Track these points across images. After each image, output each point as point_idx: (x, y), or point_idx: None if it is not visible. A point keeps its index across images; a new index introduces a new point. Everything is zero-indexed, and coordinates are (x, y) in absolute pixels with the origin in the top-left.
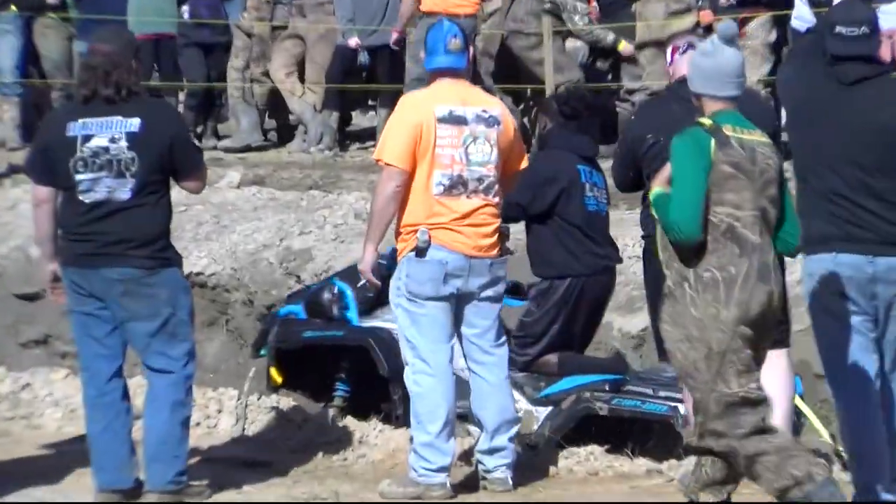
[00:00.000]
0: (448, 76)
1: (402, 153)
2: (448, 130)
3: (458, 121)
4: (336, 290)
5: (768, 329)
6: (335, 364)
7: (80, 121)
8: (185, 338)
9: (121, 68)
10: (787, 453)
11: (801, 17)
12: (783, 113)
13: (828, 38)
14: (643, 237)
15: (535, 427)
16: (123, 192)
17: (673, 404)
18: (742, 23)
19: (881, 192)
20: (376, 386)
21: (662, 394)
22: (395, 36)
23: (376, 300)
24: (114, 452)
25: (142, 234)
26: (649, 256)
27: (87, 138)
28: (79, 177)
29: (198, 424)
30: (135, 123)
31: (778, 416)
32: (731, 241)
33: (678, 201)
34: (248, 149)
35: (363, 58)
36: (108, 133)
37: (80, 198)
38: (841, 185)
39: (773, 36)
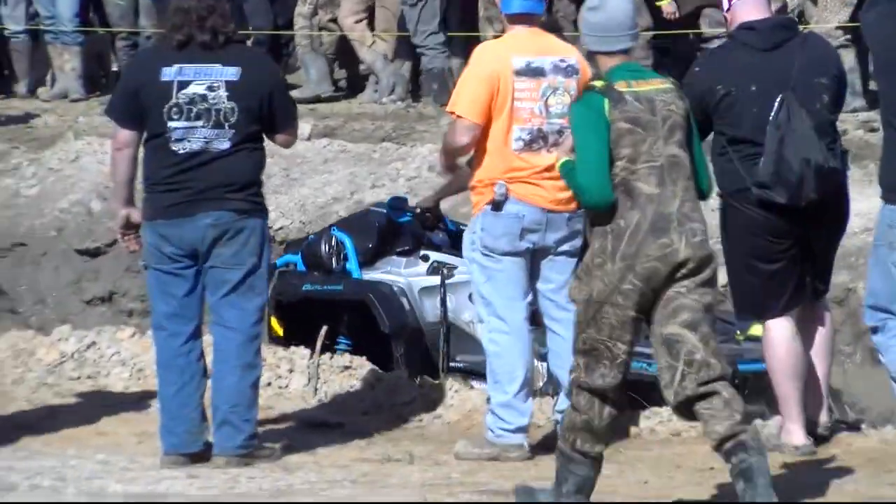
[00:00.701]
0: (524, 22)
1: (477, 107)
2: (526, 83)
3: (537, 72)
4: (335, 241)
5: (671, 280)
6: (337, 316)
7: (176, 66)
8: (262, 292)
9: (215, 13)
10: (602, 409)
11: None
12: (870, 58)
13: None
14: (718, 194)
15: (541, 383)
16: (222, 142)
17: None
18: None
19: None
20: (378, 342)
21: None
22: None
23: (378, 251)
24: (185, 417)
25: (239, 179)
26: (726, 209)
27: (183, 84)
28: (172, 124)
29: (268, 385)
30: (234, 72)
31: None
32: (623, 193)
33: (583, 167)
34: (317, 100)
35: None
36: (207, 80)
37: (173, 147)
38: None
39: None
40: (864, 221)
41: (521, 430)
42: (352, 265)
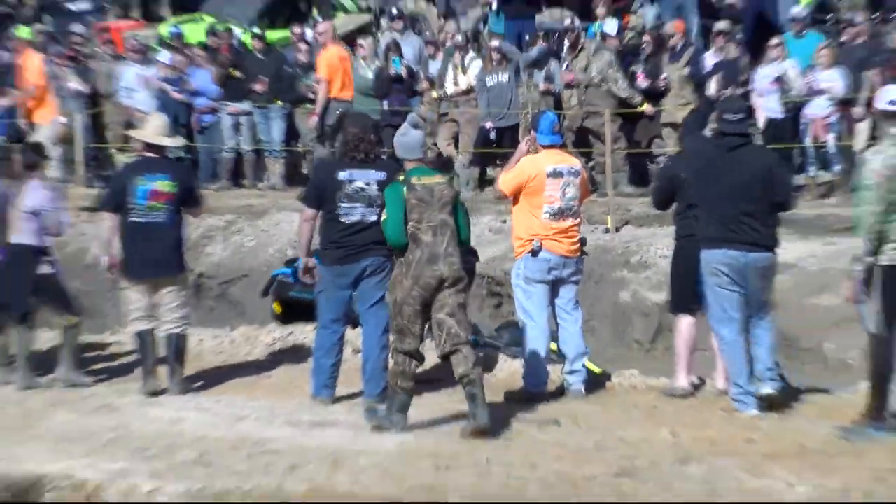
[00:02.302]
0: (554, 147)
1: (510, 187)
2: (552, 181)
3: (558, 174)
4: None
5: (439, 289)
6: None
7: (347, 171)
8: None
9: (366, 140)
10: (413, 366)
11: None
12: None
13: (719, 122)
14: (675, 238)
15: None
16: (372, 216)
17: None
18: None
19: (751, 213)
20: None
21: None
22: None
23: None
24: (330, 380)
25: (381, 239)
26: (677, 252)
27: (351, 181)
28: (342, 205)
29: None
30: (382, 174)
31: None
32: (413, 240)
33: (390, 224)
34: None
35: (493, 134)
36: (365, 179)
37: (342, 219)
38: (726, 209)
39: None
40: None
41: (543, 383)
42: None
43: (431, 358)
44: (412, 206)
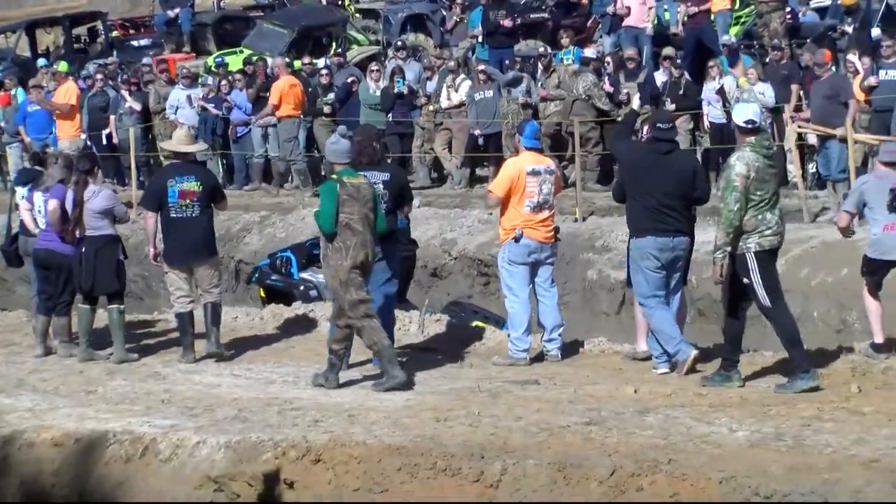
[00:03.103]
0: (533, 150)
1: (502, 188)
2: (532, 178)
3: (536, 173)
4: (284, 258)
5: (370, 268)
6: (285, 296)
7: (360, 173)
8: (396, 278)
9: (372, 147)
10: (374, 330)
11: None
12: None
13: (653, 129)
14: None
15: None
16: (380, 210)
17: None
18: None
19: (676, 207)
20: None
21: None
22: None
23: (308, 261)
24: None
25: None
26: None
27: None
28: None
29: (399, 329)
30: (386, 175)
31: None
32: (346, 229)
33: (323, 214)
34: (422, 187)
35: (481, 140)
36: (373, 180)
37: None
38: (656, 203)
39: None
40: (698, 245)
41: (525, 350)
42: (293, 270)
43: (433, 329)
44: (344, 201)
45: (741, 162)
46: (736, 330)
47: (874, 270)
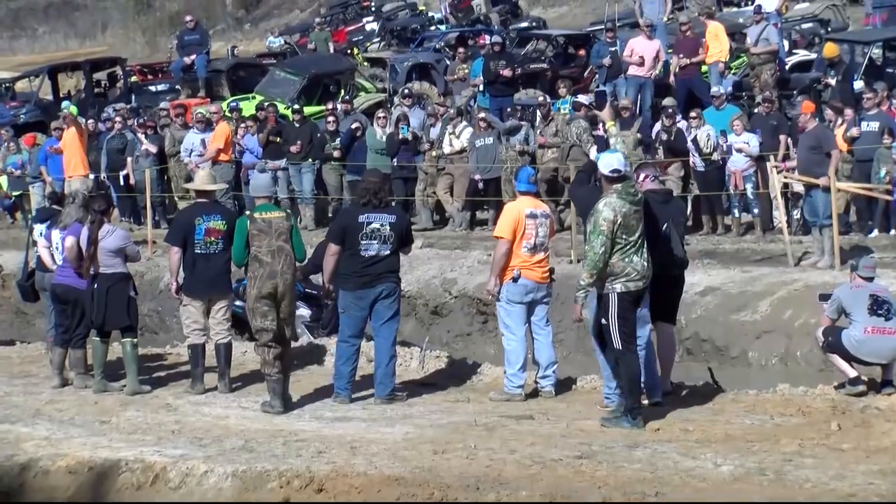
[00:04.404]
0: (529, 194)
1: (509, 232)
2: (530, 221)
3: (534, 216)
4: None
5: (277, 299)
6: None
7: (365, 214)
8: (398, 315)
9: (383, 191)
10: (270, 360)
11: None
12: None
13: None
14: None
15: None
16: (385, 251)
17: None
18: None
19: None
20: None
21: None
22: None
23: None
24: (349, 382)
25: (394, 268)
26: None
27: (369, 223)
28: (363, 242)
29: (400, 364)
30: (393, 217)
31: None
32: (255, 261)
33: (234, 249)
34: (424, 229)
35: (481, 185)
36: (380, 221)
37: (362, 253)
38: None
39: None
40: (687, 286)
41: (521, 387)
42: None
43: (432, 365)
44: (254, 236)
45: (608, 208)
46: (635, 370)
47: (849, 358)
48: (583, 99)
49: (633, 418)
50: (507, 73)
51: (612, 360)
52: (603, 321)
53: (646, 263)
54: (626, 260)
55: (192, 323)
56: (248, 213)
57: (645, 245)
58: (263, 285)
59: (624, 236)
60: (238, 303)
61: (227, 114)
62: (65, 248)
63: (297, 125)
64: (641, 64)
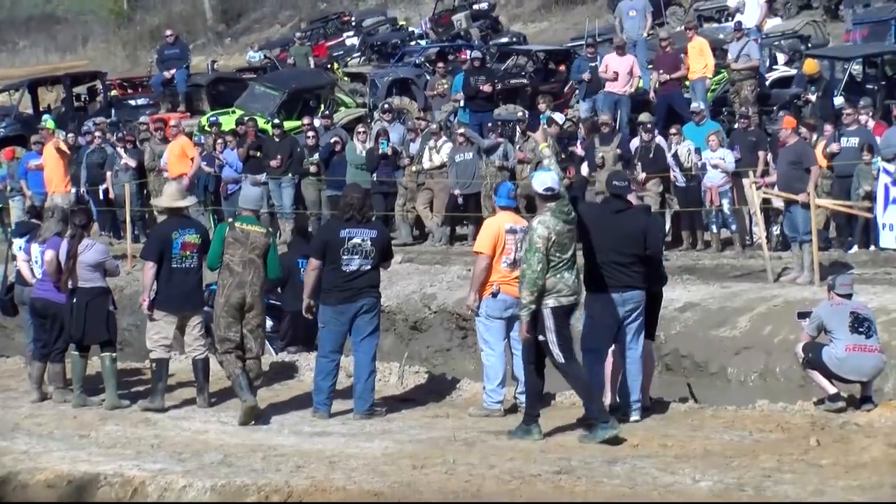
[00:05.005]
0: (509, 210)
1: (489, 247)
2: (510, 236)
3: (514, 231)
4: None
5: (245, 309)
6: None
7: (347, 230)
8: (377, 330)
9: (365, 206)
10: (231, 363)
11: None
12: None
13: (609, 185)
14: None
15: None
16: (366, 266)
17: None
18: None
19: (625, 263)
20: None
21: None
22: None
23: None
24: (329, 397)
25: (375, 283)
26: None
27: (350, 238)
28: (344, 257)
29: (380, 380)
30: (374, 232)
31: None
32: (226, 269)
33: (210, 253)
34: (404, 244)
35: (461, 200)
36: (361, 237)
37: (343, 268)
38: (607, 260)
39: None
40: (666, 301)
41: (500, 402)
42: None
43: (411, 381)
44: (229, 244)
45: (542, 226)
46: (538, 386)
47: (829, 375)
48: (557, 117)
49: (604, 422)
50: (487, 88)
51: (567, 374)
52: (541, 338)
53: (576, 280)
54: (558, 276)
55: (161, 338)
56: (229, 220)
57: (575, 263)
58: (232, 294)
59: (557, 254)
60: (206, 308)
61: (207, 128)
62: (44, 261)
63: (277, 140)
64: (616, 80)
